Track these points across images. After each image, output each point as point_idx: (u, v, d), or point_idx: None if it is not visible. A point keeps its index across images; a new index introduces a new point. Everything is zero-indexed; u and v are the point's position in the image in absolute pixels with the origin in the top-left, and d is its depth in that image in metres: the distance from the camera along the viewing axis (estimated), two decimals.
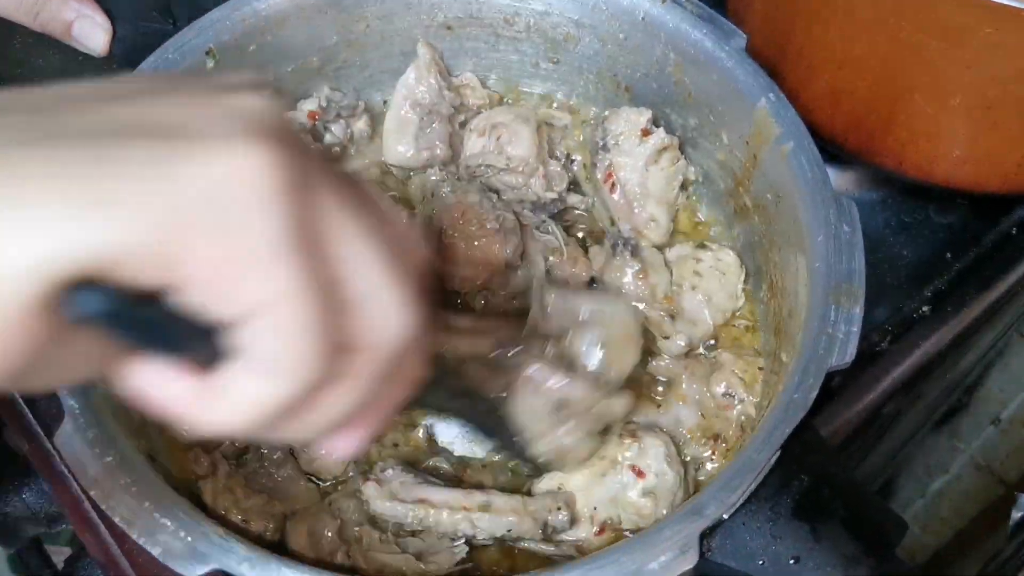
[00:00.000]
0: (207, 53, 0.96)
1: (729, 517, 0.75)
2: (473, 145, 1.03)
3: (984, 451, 1.82)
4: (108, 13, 0.97)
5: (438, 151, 1.04)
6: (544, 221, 0.99)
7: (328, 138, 1.07)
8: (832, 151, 1.05)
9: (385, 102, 1.10)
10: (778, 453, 0.76)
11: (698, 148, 1.04)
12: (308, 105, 1.06)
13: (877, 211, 1.12)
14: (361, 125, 1.08)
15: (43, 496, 0.82)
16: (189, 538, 0.68)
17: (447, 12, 1.07)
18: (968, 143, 0.99)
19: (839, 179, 1.13)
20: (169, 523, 0.69)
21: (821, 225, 0.84)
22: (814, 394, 0.76)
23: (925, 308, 1.06)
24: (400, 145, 1.04)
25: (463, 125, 1.07)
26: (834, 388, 1.02)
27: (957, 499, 1.87)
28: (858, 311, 0.79)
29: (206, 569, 0.67)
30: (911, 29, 0.88)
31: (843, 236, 0.83)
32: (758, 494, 0.76)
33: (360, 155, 1.08)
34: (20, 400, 0.83)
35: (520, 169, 0.98)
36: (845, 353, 0.77)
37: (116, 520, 0.69)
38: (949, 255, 1.10)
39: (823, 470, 0.78)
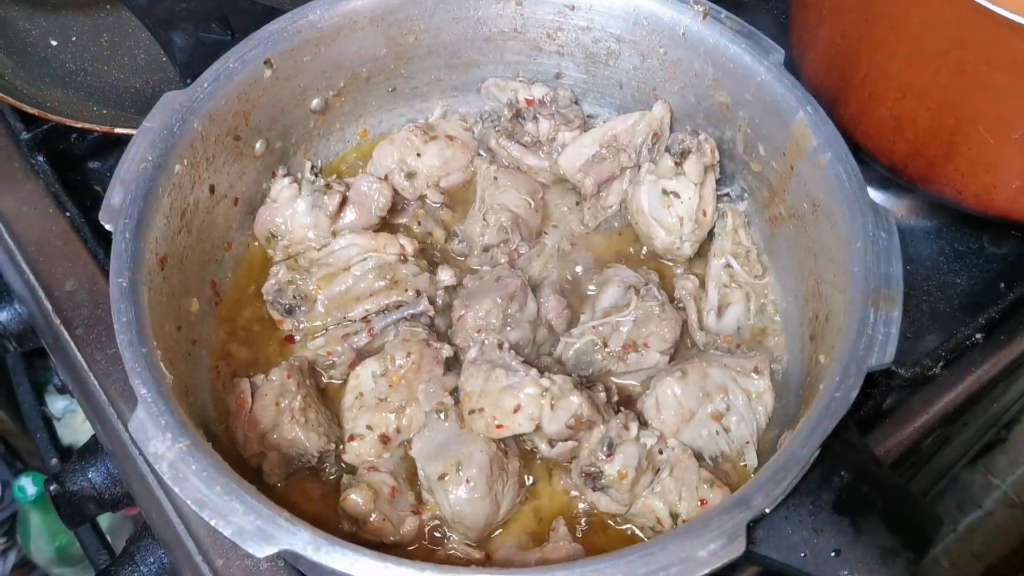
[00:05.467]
0: (265, 63, 1.00)
1: (772, 511, 0.78)
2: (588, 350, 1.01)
3: (1018, 488, 1.82)
4: (168, 24, 1.01)
5: (589, 183, 1.10)
6: None
7: (529, 127, 1.13)
8: (891, 178, 1.07)
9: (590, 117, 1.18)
10: (819, 450, 0.79)
11: (734, 160, 1.07)
12: (536, 91, 1.13)
13: (932, 239, 1.14)
14: (567, 136, 1.13)
15: (108, 477, 0.85)
16: (258, 521, 0.71)
17: (492, 26, 1.11)
18: None
19: (895, 206, 1.15)
20: (239, 506, 0.72)
21: (859, 232, 0.87)
22: (855, 393, 0.78)
23: (978, 336, 1.06)
24: (577, 160, 1.11)
25: (620, 172, 1.11)
26: (886, 409, 1.04)
27: (989, 535, 1.88)
28: (896, 314, 0.82)
29: (275, 550, 0.70)
30: (976, 61, 0.89)
31: (881, 242, 0.86)
32: (800, 489, 0.79)
33: (547, 156, 1.14)
34: (95, 381, 0.85)
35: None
36: (885, 354, 0.80)
37: (189, 503, 0.72)
38: (1003, 285, 1.11)
39: (863, 467, 0.81)
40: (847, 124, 1.05)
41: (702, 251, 1.08)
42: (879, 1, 0.95)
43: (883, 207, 0.89)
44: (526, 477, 0.94)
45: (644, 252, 1.10)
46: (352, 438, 0.93)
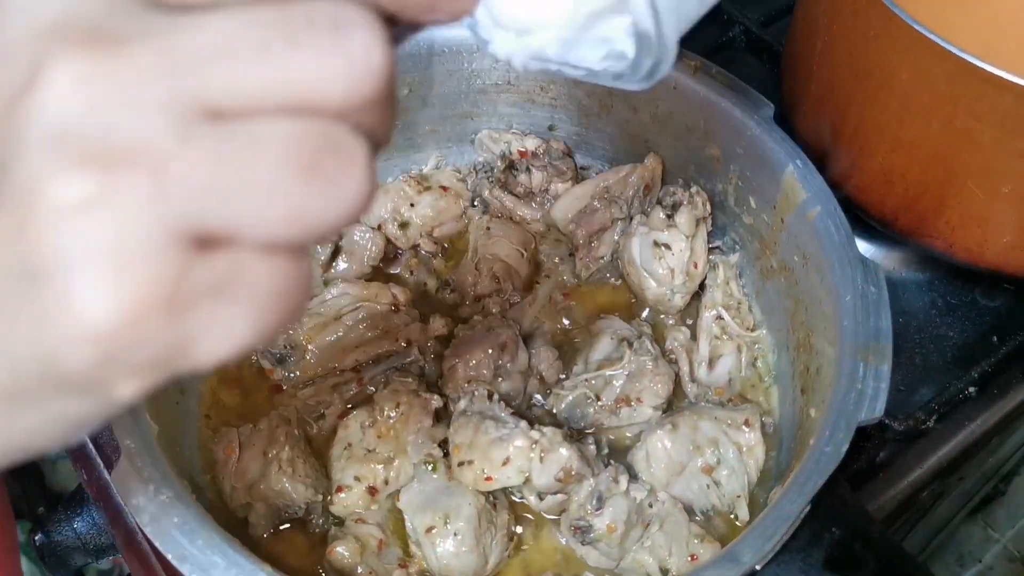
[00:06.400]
0: None
1: (762, 568, 0.77)
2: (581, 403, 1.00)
3: (1018, 542, 1.80)
4: None
5: (581, 233, 1.11)
6: None
7: (522, 178, 1.14)
8: (882, 231, 1.07)
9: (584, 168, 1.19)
10: (809, 506, 0.78)
11: (726, 212, 1.08)
12: (529, 143, 1.14)
13: (924, 292, 1.13)
14: (560, 187, 1.13)
15: (93, 526, 0.84)
16: None
17: (486, 79, 1.12)
18: (1018, 229, 1.00)
19: (886, 259, 1.15)
20: (221, 560, 0.71)
21: (848, 286, 0.87)
22: (845, 447, 0.78)
23: (971, 389, 1.05)
24: (569, 211, 1.12)
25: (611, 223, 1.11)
26: (880, 463, 1.03)
27: None
28: (886, 368, 0.82)
29: None
30: (966, 117, 0.89)
31: (870, 296, 0.86)
32: (790, 546, 0.78)
33: (539, 207, 1.15)
34: None
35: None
36: (875, 408, 0.80)
37: (169, 557, 0.71)
38: (995, 338, 1.10)
39: (854, 523, 0.80)
40: (838, 177, 1.06)
41: (693, 303, 1.08)
42: (869, 56, 0.96)
43: (872, 261, 0.89)
44: (515, 530, 0.93)
45: (636, 303, 1.10)
46: (340, 489, 0.92)
